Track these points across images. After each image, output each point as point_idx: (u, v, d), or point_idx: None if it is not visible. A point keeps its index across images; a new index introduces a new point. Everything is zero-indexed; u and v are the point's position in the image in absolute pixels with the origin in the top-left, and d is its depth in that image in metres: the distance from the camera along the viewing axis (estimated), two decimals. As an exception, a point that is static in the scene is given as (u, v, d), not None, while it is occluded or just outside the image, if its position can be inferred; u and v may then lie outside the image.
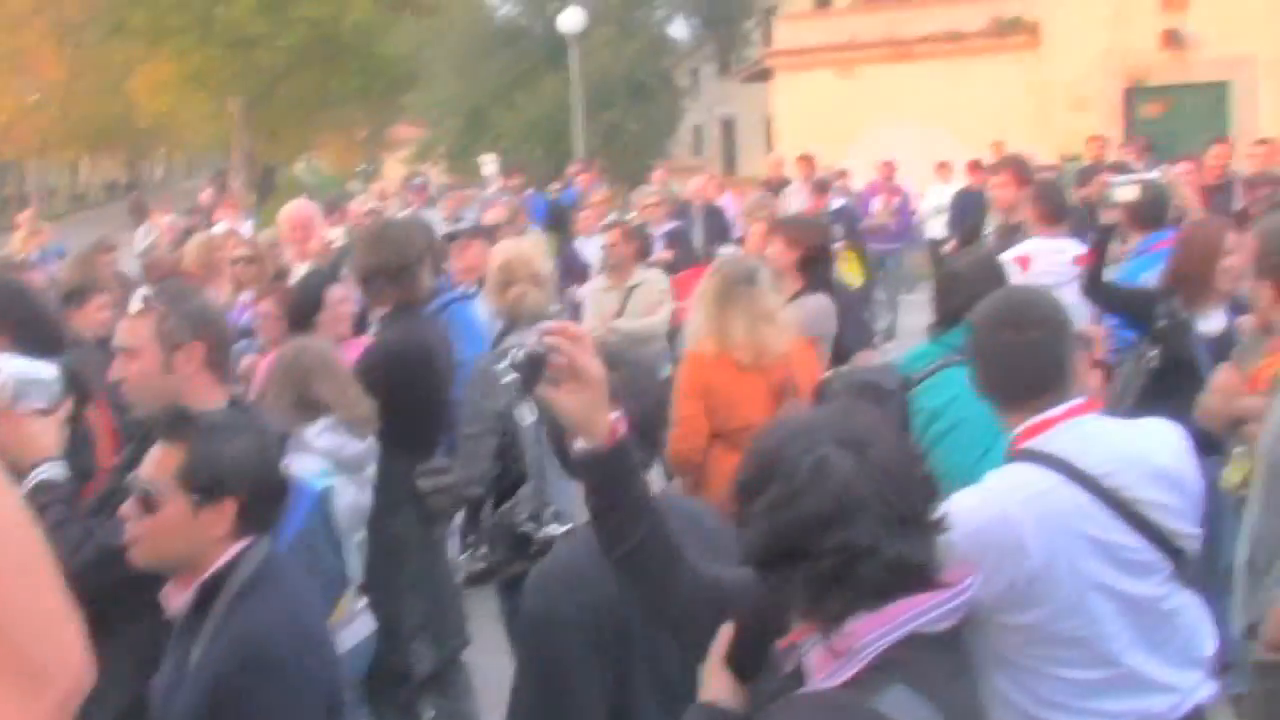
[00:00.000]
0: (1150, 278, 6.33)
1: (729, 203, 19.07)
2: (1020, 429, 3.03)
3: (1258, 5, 21.62)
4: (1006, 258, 6.91)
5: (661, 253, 12.03)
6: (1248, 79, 22.29)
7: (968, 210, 15.81)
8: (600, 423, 2.39)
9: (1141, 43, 22.77)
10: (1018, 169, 7.89)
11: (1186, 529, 2.98)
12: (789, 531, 2.02)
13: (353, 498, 4.24)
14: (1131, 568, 2.92)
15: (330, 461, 4.16)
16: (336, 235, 7.17)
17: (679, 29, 40.74)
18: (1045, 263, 6.98)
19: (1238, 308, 5.64)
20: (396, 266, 5.20)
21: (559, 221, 14.65)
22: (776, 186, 18.24)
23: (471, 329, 6.40)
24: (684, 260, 11.92)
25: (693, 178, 16.33)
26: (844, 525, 1.98)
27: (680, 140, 41.61)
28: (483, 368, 4.90)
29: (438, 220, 14.36)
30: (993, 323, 3.09)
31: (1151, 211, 6.87)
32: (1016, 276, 6.60)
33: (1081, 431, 2.98)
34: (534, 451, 4.44)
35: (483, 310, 7.21)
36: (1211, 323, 5.75)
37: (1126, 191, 6.17)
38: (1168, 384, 5.65)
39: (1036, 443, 2.98)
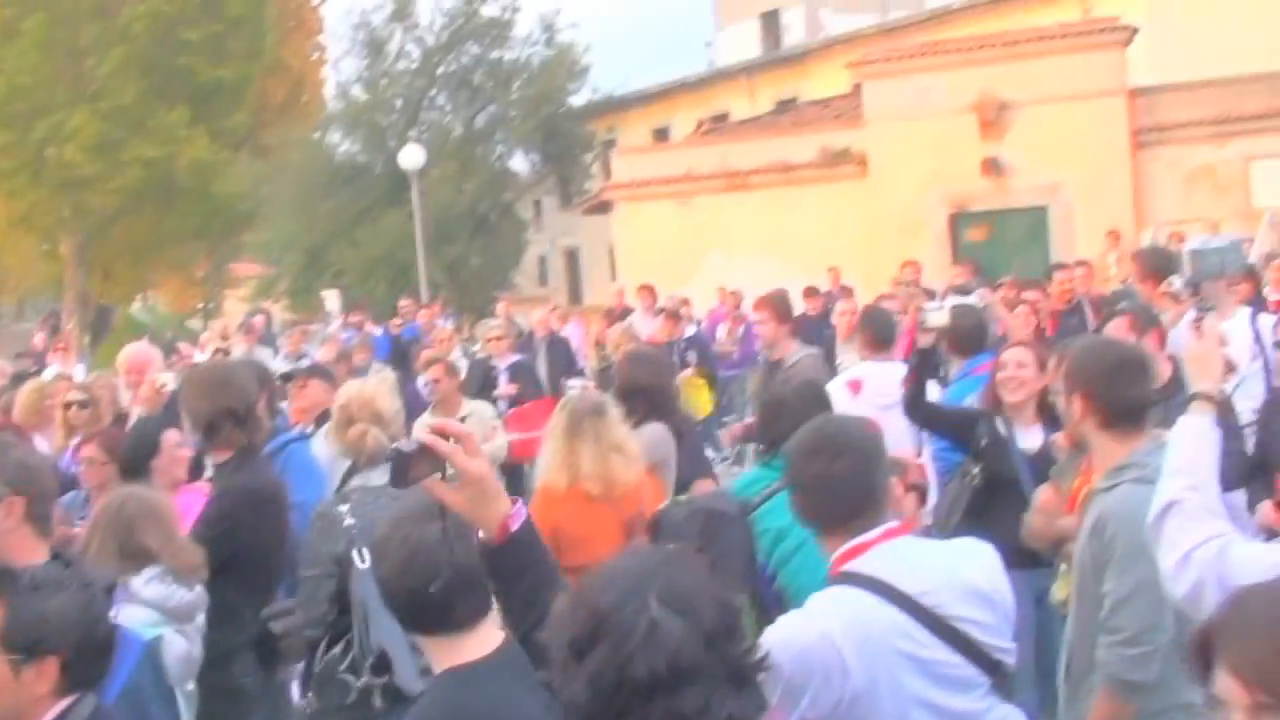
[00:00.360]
0: (974, 400, 6.57)
1: (574, 332, 19.26)
2: (838, 553, 3.15)
3: (1068, 134, 22.62)
4: (838, 382, 7.13)
5: (506, 386, 12.10)
6: (1063, 203, 23.25)
7: (806, 335, 16.20)
8: (489, 517, 2.52)
9: (964, 170, 23.61)
10: (776, 307, 8.09)
11: (1001, 643, 3.11)
12: (619, 695, 2.00)
13: (183, 648, 4.16)
14: (951, 683, 3.03)
15: (158, 612, 4.09)
16: (168, 379, 7.06)
17: (519, 163, 41.35)
18: (876, 386, 7.21)
19: (1055, 424, 5.89)
20: (243, 411, 5.21)
21: (402, 357, 14.63)
22: (619, 315, 18.49)
23: (309, 470, 6.34)
24: (529, 392, 12.01)
25: (537, 309, 16.49)
26: (674, 690, 1.98)
27: (525, 271, 42.03)
28: (322, 511, 4.88)
29: (273, 358, 14.26)
30: (805, 453, 3.22)
31: (971, 336, 7.15)
32: (848, 401, 6.81)
33: (897, 553, 3.12)
34: (360, 598, 4.41)
35: (321, 451, 7.18)
36: (1030, 439, 5.97)
37: (938, 316, 6.36)
38: (992, 500, 5.84)
39: (854, 565, 3.11)
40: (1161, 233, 20.30)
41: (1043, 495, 4.92)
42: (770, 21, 46.69)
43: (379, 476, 4.92)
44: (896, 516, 3.28)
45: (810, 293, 16.86)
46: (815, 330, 16.06)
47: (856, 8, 43.81)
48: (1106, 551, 3.79)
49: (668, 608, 1.95)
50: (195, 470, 5.77)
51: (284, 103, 45.48)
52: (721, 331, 18.06)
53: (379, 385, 5.24)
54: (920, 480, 5.19)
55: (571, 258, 49.63)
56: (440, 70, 38.72)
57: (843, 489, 3.13)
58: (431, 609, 2.81)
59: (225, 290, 50.34)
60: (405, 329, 15.59)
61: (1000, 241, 23.87)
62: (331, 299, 28.09)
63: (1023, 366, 5.99)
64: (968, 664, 3.06)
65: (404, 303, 17.94)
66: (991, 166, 23.45)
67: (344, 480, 5.05)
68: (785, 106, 34.41)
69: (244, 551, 4.92)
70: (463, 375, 11.53)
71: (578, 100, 40.47)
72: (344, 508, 4.76)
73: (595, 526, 5.32)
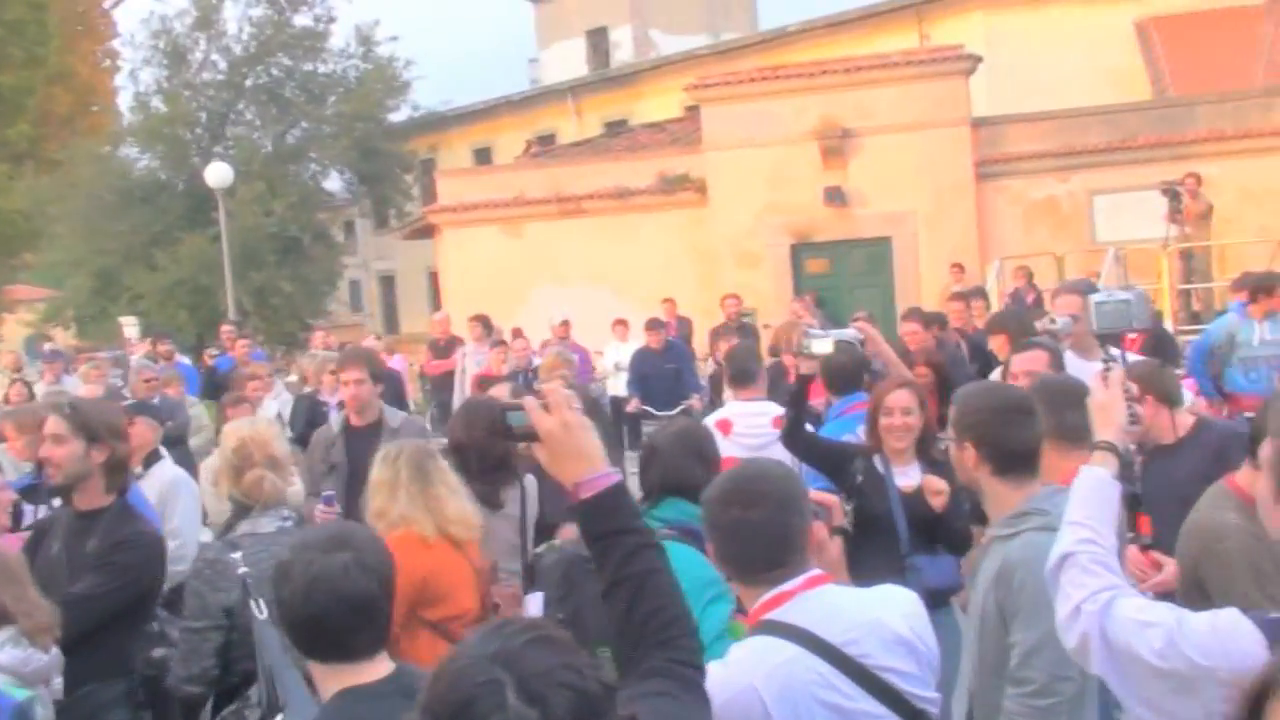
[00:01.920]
0: (851, 440, 6.71)
1: (400, 364, 19.05)
2: (759, 601, 3.23)
3: (911, 163, 23.29)
4: (707, 423, 7.22)
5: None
6: (907, 235, 23.88)
7: (646, 369, 16.27)
8: (563, 477, 2.76)
9: (805, 200, 24.09)
10: (370, 364, 8.00)
11: (925, 693, 3.22)
12: None
13: (41, 713, 4.04)
14: (874, 734, 3.12)
15: (14, 678, 3.95)
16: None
17: (333, 183, 40.86)
18: (745, 425, 7.31)
19: (933, 465, 6.06)
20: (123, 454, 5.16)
21: (217, 390, 14.34)
22: (445, 346, 18.33)
23: (147, 513, 6.21)
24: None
25: (353, 339, 16.26)
26: None
27: (337, 297, 41.45)
28: (212, 557, 4.74)
29: (80, 391, 13.83)
30: (722, 501, 3.29)
31: (847, 374, 7.29)
32: (719, 442, 6.91)
33: (820, 602, 3.21)
34: (266, 651, 4.31)
35: (150, 492, 7.02)
36: (907, 477, 6.13)
37: (822, 344, 6.45)
38: (864, 540, 5.90)
39: (776, 615, 3.19)
40: (1006, 267, 21.02)
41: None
42: (598, 39, 47.19)
43: (269, 523, 4.86)
44: (821, 563, 3.36)
45: (653, 325, 16.84)
46: (655, 366, 16.10)
47: (687, 28, 44.60)
48: (1014, 601, 3.90)
49: (523, 699, 1.99)
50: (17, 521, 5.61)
51: (70, 113, 44.27)
52: (554, 363, 18.04)
53: (269, 427, 5.11)
54: (844, 524, 5.28)
55: (387, 284, 49.26)
56: (248, 83, 38.19)
57: (761, 537, 3.21)
58: (328, 638, 3.00)
59: (1, 315, 48.60)
60: (220, 359, 15.22)
61: (842, 273, 24.44)
62: (130, 326, 27.35)
63: (908, 413, 6.16)
64: (891, 714, 3.16)
65: (226, 328, 17.40)
66: (833, 196, 23.96)
67: (227, 527, 4.91)
68: (615, 129, 34.75)
69: (144, 598, 4.95)
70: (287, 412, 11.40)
71: (396, 117, 40.26)
72: (236, 555, 4.64)
73: (460, 576, 5.34)
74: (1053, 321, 6.62)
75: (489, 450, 6.14)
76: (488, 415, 6.34)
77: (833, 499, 3.76)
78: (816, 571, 3.29)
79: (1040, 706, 3.83)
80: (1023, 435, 4.03)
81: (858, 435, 6.70)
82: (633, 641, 2.69)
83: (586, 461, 2.74)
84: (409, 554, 5.06)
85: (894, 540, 5.94)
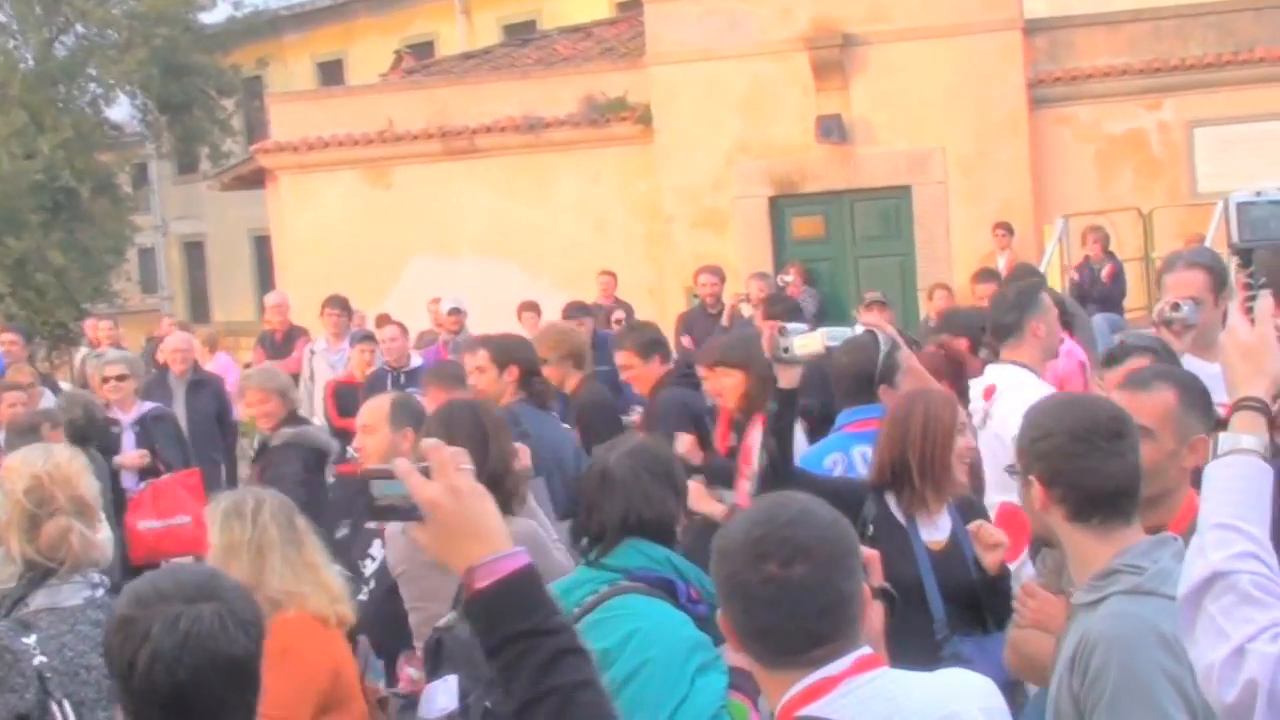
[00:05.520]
0: (836, 466, 6.75)
1: (227, 368, 18.81)
2: (794, 691, 3.19)
3: (938, 85, 23.34)
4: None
5: (131, 454, 11.70)
6: (933, 182, 23.91)
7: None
8: (452, 561, 2.83)
9: (790, 135, 24.11)
10: None
11: (1011, 799, 3.24)
12: None
13: None
14: None
15: None
16: None
17: (121, 111, 40.69)
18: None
19: (967, 510, 6.08)
20: None
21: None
22: (283, 341, 18.15)
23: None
24: (171, 458, 11.71)
25: (170, 334, 16.10)
26: None
27: (125, 271, 41.30)
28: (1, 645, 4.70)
29: None
30: (750, 553, 3.22)
31: (859, 377, 7.14)
32: None
33: (873, 690, 3.18)
34: None
35: None
36: (935, 529, 6.12)
37: (808, 342, 6.17)
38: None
39: (817, 708, 3.15)
40: (1072, 228, 21.11)
41: (1027, 609, 4.95)
42: (491, -89, 47.10)
43: (74, 592, 4.83)
44: (868, 639, 3.34)
45: (574, 312, 16.74)
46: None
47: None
48: (1092, 690, 3.89)
49: None
50: None
51: None
52: (445, 369, 17.98)
53: (73, 460, 5.05)
54: (886, 585, 5.21)
55: (194, 253, 49.04)
56: (2, -33, 38.07)
57: (805, 604, 3.18)
58: (198, 713, 3.09)
59: None
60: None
61: (842, 238, 24.64)
62: None
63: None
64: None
65: None
66: (830, 130, 23.93)
67: (17, 598, 4.84)
68: (519, 34, 34.70)
69: None
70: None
71: (211, 18, 40.24)
72: (29, 640, 4.63)
73: (353, 668, 5.60)
74: (1175, 308, 6.44)
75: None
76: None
77: (872, 552, 3.71)
78: (867, 650, 3.27)
79: None
80: (1109, 468, 4.04)
81: (867, 461, 6.67)
82: None
83: (484, 540, 2.81)
84: (314, 642, 5.27)
85: (924, 617, 5.92)
